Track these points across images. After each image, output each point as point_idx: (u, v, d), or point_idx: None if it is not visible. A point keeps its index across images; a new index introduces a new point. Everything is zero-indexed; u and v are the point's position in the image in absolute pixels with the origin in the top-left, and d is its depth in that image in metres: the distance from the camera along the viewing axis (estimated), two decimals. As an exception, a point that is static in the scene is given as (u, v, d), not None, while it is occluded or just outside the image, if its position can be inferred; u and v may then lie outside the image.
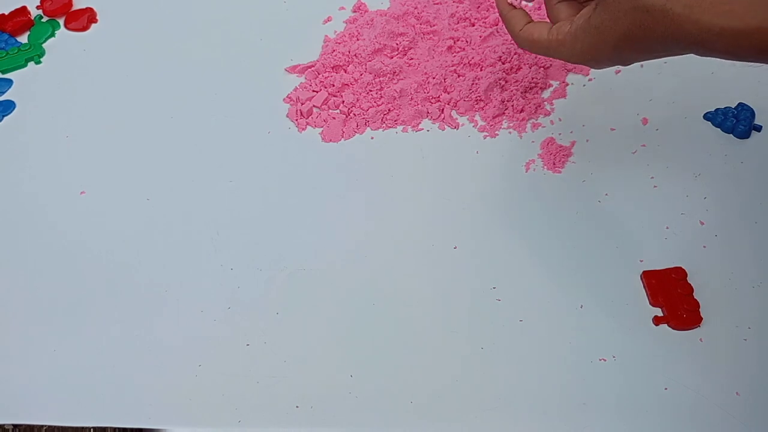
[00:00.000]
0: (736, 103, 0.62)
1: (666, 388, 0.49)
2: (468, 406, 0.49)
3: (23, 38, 0.77)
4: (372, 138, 0.65)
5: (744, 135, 0.60)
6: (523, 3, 0.55)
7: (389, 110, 0.66)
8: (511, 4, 0.55)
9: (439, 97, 0.66)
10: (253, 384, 0.51)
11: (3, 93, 0.72)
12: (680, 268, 0.53)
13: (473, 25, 0.70)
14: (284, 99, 0.68)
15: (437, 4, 0.73)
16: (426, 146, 0.63)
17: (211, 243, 0.59)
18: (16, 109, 0.70)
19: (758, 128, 0.61)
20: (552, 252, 0.56)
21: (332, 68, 0.68)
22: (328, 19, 0.74)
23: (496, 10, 0.71)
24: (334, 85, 0.67)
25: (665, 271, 0.53)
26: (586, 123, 0.63)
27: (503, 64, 0.66)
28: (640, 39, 0.44)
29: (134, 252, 0.59)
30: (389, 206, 0.60)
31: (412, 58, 0.68)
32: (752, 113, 0.61)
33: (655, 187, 0.58)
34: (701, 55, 0.44)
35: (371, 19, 0.72)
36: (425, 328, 0.53)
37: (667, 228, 0.56)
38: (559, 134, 0.62)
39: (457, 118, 0.65)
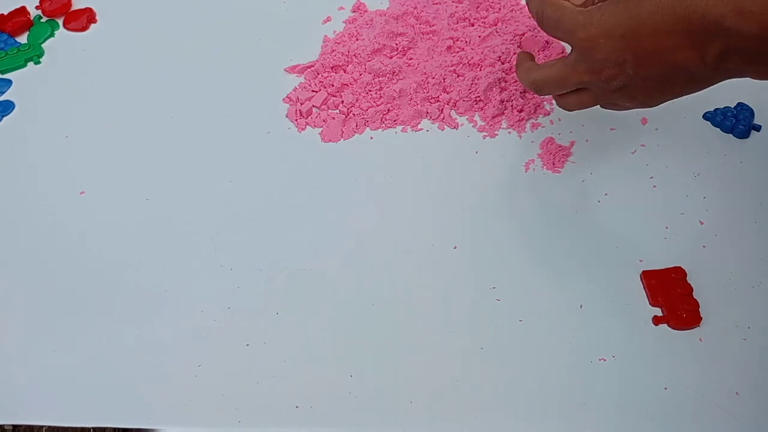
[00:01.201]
0: (736, 103, 0.62)
1: (666, 388, 0.49)
2: (468, 406, 0.49)
3: (22, 38, 0.76)
4: (371, 138, 0.65)
5: (743, 135, 0.60)
6: None
7: (388, 110, 0.66)
8: None
9: (438, 97, 0.66)
10: (253, 384, 0.51)
11: (2, 93, 0.71)
12: (680, 267, 0.54)
13: (473, 25, 0.70)
14: (284, 99, 0.68)
15: (436, 4, 0.73)
16: (425, 146, 0.63)
17: (211, 243, 0.59)
18: (15, 109, 0.70)
19: (758, 128, 0.61)
20: (552, 252, 0.56)
21: (331, 68, 0.68)
22: (328, 19, 0.74)
23: (498, 9, 0.71)
24: (333, 85, 0.67)
25: (665, 270, 0.53)
26: (585, 123, 0.63)
27: (503, 64, 0.66)
28: (666, 12, 0.42)
29: (134, 252, 0.59)
30: (389, 206, 0.60)
31: (411, 58, 0.68)
32: (751, 113, 0.61)
33: (654, 186, 0.58)
34: (719, 60, 0.41)
35: (370, 19, 0.72)
36: (425, 328, 0.53)
37: (667, 228, 0.56)
38: (559, 134, 0.62)
39: (456, 118, 0.65)
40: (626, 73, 0.46)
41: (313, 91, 0.68)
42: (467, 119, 0.65)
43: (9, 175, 0.65)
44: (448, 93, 0.66)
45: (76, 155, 0.66)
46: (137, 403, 0.51)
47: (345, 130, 0.65)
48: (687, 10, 0.41)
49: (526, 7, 0.72)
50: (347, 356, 0.52)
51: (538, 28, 0.69)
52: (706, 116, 0.62)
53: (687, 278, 0.53)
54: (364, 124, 0.65)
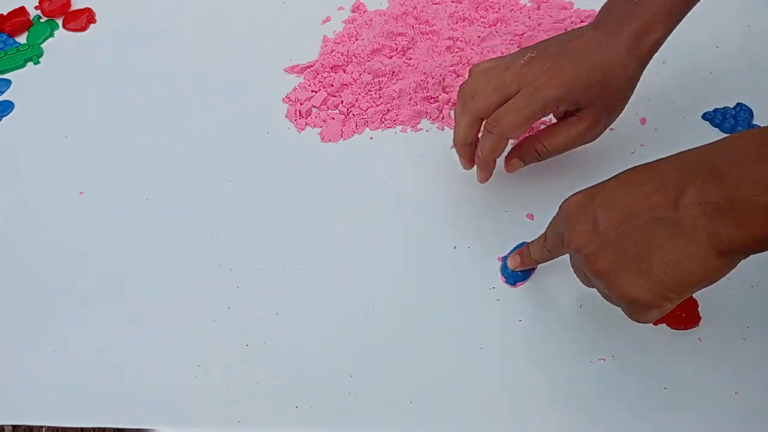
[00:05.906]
0: (735, 103, 0.62)
1: (665, 388, 0.49)
2: (468, 406, 0.49)
3: (22, 38, 0.76)
4: (371, 138, 0.65)
5: (743, 135, 0.60)
6: None
7: (388, 110, 0.66)
8: None
9: (437, 97, 0.66)
10: (253, 384, 0.51)
11: (2, 93, 0.71)
12: (679, 267, 0.53)
13: (472, 25, 0.70)
14: (283, 99, 0.68)
15: (436, 4, 0.73)
16: (425, 146, 0.63)
17: (211, 243, 0.59)
18: (14, 109, 0.70)
19: (757, 128, 0.61)
20: (551, 252, 0.56)
21: (331, 68, 0.68)
22: (327, 19, 0.74)
23: (498, 9, 0.71)
24: (333, 85, 0.67)
25: (664, 270, 0.53)
26: (585, 123, 0.63)
27: (502, 64, 0.66)
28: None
29: (133, 252, 0.59)
30: (388, 206, 0.60)
31: (410, 58, 0.68)
32: (750, 113, 0.61)
33: (654, 187, 0.58)
34: None
35: (370, 19, 0.72)
36: (425, 328, 0.53)
37: (666, 228, 0.56)
38: (559, 134, 0.62)
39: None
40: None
41: (312, 91, 0.68)
42: (467, 119, 0.65)
43: (8, 175, 0.65)
44: (447, 93, 0.66)
45: (76, 155, 0.66)
46: (137, 403, 0.51)
47: (344, 130, 0.65)
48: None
49: (525, 7, 0.72)
50: (347, 356, 0.52)
51: (538, 29, 0.70)
52: (706, 116, 0.62)
53: (686, 278, 0.53)
54: (364, 124, 0.65)
